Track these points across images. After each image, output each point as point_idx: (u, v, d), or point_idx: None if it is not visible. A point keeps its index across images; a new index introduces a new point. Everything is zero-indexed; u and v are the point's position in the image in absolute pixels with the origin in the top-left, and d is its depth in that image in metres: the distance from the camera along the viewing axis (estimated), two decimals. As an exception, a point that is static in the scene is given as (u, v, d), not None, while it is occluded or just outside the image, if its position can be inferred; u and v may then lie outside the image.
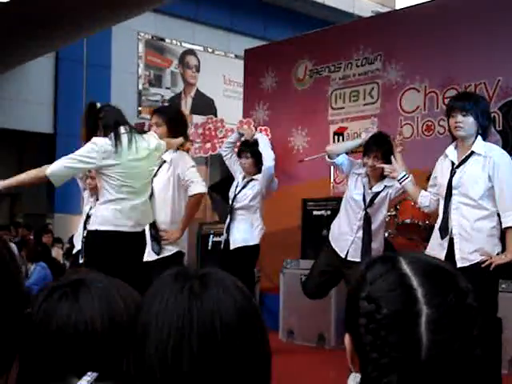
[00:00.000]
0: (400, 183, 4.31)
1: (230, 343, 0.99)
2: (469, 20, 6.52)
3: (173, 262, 4.47)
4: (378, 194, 4.97)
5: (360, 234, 4.98)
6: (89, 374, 1.09)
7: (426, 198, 4.14)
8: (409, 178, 4.23)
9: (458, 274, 1.06)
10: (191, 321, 0.98)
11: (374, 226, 5.00)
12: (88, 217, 5.43)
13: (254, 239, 5.66)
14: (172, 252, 4.66)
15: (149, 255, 4.55)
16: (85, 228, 5.44)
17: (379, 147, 4.83)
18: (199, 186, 4.59)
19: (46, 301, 1.19)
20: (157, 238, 4.62)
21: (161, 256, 4.62)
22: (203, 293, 1.01)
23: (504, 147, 5.91)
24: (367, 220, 4.98)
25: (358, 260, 4.84)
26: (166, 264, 4.44)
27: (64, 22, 9.67)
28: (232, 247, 5.64)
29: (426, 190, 4.19)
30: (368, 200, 4.97)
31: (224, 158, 5.97)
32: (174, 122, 4.60)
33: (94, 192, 5.39)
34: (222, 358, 0.98)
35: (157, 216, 4.57)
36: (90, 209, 5.43)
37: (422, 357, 0.96)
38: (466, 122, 3.81)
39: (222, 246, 5.75)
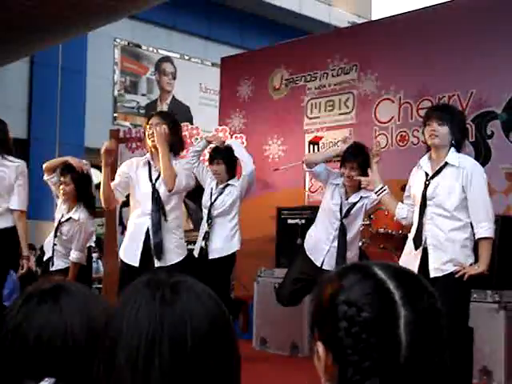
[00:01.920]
0: (377, 195, 4.33)
1: (201, 351, 0.99)
2: (443, 32, 6.60)
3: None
4: (354, 204, 5.00)
5: (335, 243, 5.01)
6: (46, 379, 1.09)
7: (403, 210, 4.16)
8: (386, 191, 4.25)
9: (426, 280, 1.10)
10: (162, 329, 0.98)
11: (349, 236, 5.03)
12: (60, 224, 5.39)
13: (234, 246, 5.64)
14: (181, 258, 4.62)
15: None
16: (56, 235, 5.40)
17: (356, 158, 4.87)
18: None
19: (25, 305, 1.20)
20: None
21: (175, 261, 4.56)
22: (174, 301, 1.01)
23: (476, 158, 5.97)
24: (343, 230, 5.01)
25: (333, 269, 4.86)
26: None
27: (40, 27, 9.60)
28: (211, 257, 5.60)
29: (401, 201, 4.22)
30: (344, 211, 5.00)
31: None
32: (174, 127, 4.60)
33: (67, 199, 5.35)
34: (193, 365, 0.98)
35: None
36: (62, 216, 5.39)
37: (402, 358, 0.99)
38: (441, 132, 3.85)
39: (198, 253, 5.70)
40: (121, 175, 4.62)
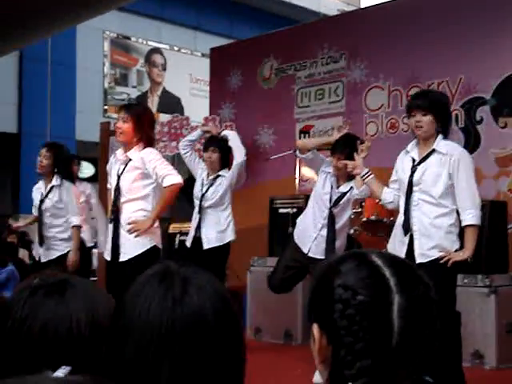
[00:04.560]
0: (363, 180, 4.35)
1: (209, 347, 1.02)
2: (432, 19, 6.61)
3: (150, 258, 4.32)
4: (344, 194, 5.02)
5: (324, 232, 5.03)
6: (63, 367, 1.11)
7: (389, 195, 4.19)
8: (372, 175, 4.28)
9: (420, 271, 1.13)
10: (173, 327, 1.00)
11: (338, 225, 5.06)
12: (41, 203, 5.43)
13: (228, 236, 5.65)
14: (147, 247, 4.48)
15: (123, 256, 4.49)
16: (41, 222, 5.42)
17: (344, 149, 4.89)
18: (175, 177, 4.54)
19: (31, 298, 1.22)
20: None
21: (136, 254, 4.43)
22: (184, 299, 1.03)
23: (466, 144, 6.03)
24: (332, 219, 5.04)
25: (320, 257, 4.89)
26: (142, 262, 4.28)
27: (28, 21, 9.56)
28: (206, 246, 5.60)
29: (387, 185, 4.25)
30: (334, 199, 5.03)
31: (183, 156, 5.87)
32: (141, 119, 4.57)
33: (43, 173, 5.42)
34: (201, 361, 1.01)
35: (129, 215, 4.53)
36: (42, 195, 5.42)
37: (393, 343, 1.03)
38: (426, 122, 3.87)
39: (191, 244, 5.71)
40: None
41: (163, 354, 1.00)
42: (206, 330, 1.02)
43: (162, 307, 1.02)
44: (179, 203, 7.88)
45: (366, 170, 4.29)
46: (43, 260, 5.41)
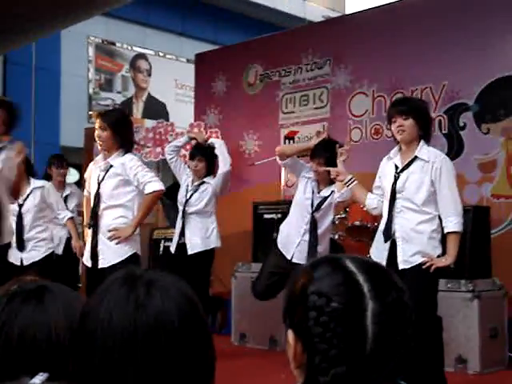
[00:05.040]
0: (347, 186, 4.36)
1: (174, 350, 1.01)
2: (415, 25, 6.65)
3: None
4: (325, 198, 5.04)
5: (306, 237, 5.04)
6: (40, 374, 1.11)
7: (373, 201, 4.20)
8: (355, 182, 4.29)
9: (395, 275, 1.13)
10: (135, 332, 0.99)
11: (320, 230, 5.07)
12: (20, 207, 5.45)
13: (213, 242, 5.65)
14: (128, 254, 4.48)
15: (103, 262, 4.47)
16: (20, 224, 5.42)
17: (323, 153, 4.91)
18: (157, 184, 4.53)
19: (9, 304, 1.21)
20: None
21: (116, 261, 4.42)
22: (148, 302, 1.02)
23: (449, 150, 6.07)
24: (314, 224, 5.05)
25: (303, 262, 4.90)
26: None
27: (12, 25, 9.51)
28: (191, 252, 5.58)
29: (370, 191, 4.26)
30: (315, 204, 5.04)
31: (169, 162, 5.87)
32: (118, 126, 4.55)
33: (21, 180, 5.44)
34: (167, 364, 1.00)
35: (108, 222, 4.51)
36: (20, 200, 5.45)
37: (367, 349, 1.03)
38: (408, 125, 3.89)
39: (175, 250, 5.70)
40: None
41: (127, 359, 0.98)
42: (171, 332, 1.00)
43: (124, 311, 1.01)
44: (164, 209, 7.86)
45: (350, 177, 4.30)
46: (26, 263, 5.37)
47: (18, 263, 5.39)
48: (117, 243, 4.43)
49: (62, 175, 6.60)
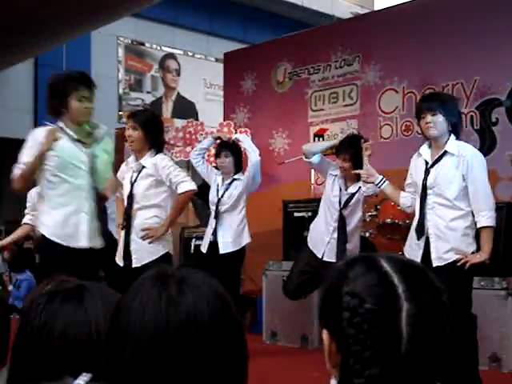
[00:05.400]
0: (378, 187, 4.32)
1: (205, 347, 1.01)
2: (446, 20, 6.58)
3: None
4: (353, 195, 5.02)
5: (336, 235, 5.03)
6: (84, 374, 1.11)
7: (407, 199, 4.17)
8: (386, 182, 4.25)
9: (432, 274, 1.11)
10: (167, 328, 1.00)
11: (349, 228, 5.05)
12: None
13: (245, 239, 5.65)
14: (160, 254, 4.50)
15: (136, 262, 4.49)
16: None
17: (348, 149, 4.90)
18: (190, 184, 4.55)
19: (48, 304, 1.23)
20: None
21: (149, 261, 4.44)
22: (179, 299, 1.03)
23: (481, 146, 6.00)
24: (342, 221, 5.04)
25: (334, 260, 4.89)
26: None
27: (43, 28, 9.63)
28: (223, 251, 5.59)
29: (403, 189, 4.23)
30: (343, 201, 5.02)
31: (195, 165, 5.88)
32: (149, 125, 4.58)
33: None
34: (198, 361, 1.00)
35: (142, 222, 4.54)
36: None
37: (402, 350, 1.01)
38: (437, 121, 3.84)
39: (207, 249, 5.71)
40: None
41: (159, 355, 0.99)
42: (202, 329, 1.01)
43: (156, 308, 1.02)
44: (195, 209, 7.90)
45: (380, 178, 4.27)
46: None
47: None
48: (149, 242, 4.46)
49: None
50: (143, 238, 4.48)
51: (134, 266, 4.50)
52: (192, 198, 5.14)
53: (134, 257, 4.51)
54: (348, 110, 7.41)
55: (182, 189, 4.47)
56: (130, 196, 4.57)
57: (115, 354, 1.03)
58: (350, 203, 5.02)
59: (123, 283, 4.54)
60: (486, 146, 6.11)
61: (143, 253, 4.49)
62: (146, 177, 4.54)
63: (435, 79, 6.59)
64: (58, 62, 13.88)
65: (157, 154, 4.57)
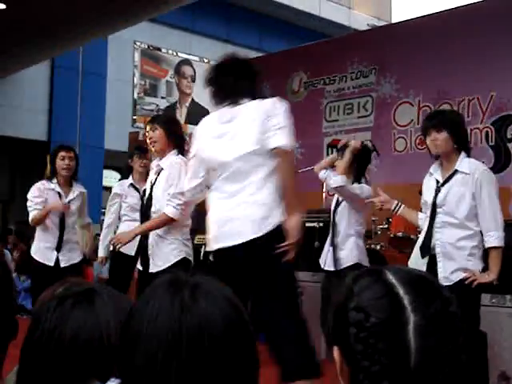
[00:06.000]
0: (395, 213, 4.28)
1: (218, 355, 1.00)
2: (463, 34, 6.57)
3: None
4: (342, 201, 5.08)
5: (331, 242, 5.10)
6: (112, 379, 1.11)
7: (423, 221, 4.14)
8: (402, 206, 4.22)
9: (440, 284, 1.09)
10: (180, 334, 0.99)
11: (340, 233, 5.04)
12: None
13: None
14: (177, 259, 4.36)
15: (153, 267, 4.44)
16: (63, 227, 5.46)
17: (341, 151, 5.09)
18: (170, 210, 4.30)
19: (59, 307, 1.22)
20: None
21: (166, 266, 4.31)
22: (192, 305, 1.02)
23: (496, 162, 5.96)
24: (334, 226, 5.09)
25: (332, 269, 4.95)
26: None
27: (60, 30, 9.69)
28: None
29: (420, 210, 4.19)
30: (333, 206, 5.11)
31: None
32: (169, 124, 4.56)
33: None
34: (210, 369, 0.99)
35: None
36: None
37: (412, 363, 0.99)
38: (442, 139, 3.81)
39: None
40: None
41: (171, 360, 0.98)
42: (215, 336, 1.00)
43: (169, 313, 1.01)
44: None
45: (396, 203, 4.24)
46: (63, 265, 5.33)
47: (51, 264, 5.32)
48: (118, 248, 4.54)
49: (144, 166, 6.17)
50: (111, 241, 4.58)
51: (150, 270, 4.44)
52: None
53: (151, 261, 4.47)
54: (362, 122, 7.41)
55: (165, 210, 4.33)
56: (149, 198, 4.52)
57: (127, 359, 1.02)
58: (339, 208, 5.05)
59: (142, 287, 4.52)
60: (501, 162, 6.07)
61: (160, 258, 4.44)
62: (164, 179, 4.49)
63: (451, 93, 6.57)
64: (74, 64, 13.99)
65: (178, 154, 4.51)
